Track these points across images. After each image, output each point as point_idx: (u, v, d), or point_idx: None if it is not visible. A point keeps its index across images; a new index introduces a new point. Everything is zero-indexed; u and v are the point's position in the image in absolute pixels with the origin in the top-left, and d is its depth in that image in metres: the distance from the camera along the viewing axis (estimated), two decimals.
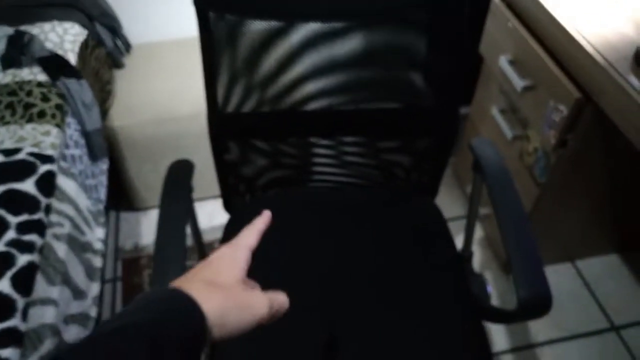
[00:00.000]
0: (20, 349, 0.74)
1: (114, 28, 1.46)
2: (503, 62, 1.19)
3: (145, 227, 1.64)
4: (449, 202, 1.65)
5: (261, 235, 0.50)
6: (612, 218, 1.38)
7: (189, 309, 0.39)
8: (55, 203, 0.95)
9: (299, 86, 0.88)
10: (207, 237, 1.16)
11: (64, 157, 1.03)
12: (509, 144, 1.31)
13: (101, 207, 1.21)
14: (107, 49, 1.45)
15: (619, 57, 0.93)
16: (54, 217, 0.94)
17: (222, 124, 0.91)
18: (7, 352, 0.73)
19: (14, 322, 0.75)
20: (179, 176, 0.87)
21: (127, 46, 1.54)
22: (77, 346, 0.35)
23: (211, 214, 1.58)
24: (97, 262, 1.10)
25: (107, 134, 1.40)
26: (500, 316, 0.89)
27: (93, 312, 1.03)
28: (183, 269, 0.71)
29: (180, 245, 0.76)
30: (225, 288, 0.43)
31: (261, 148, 0.97)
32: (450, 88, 0.89)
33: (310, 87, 0.89)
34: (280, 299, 0.47)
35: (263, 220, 0.51)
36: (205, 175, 1.59)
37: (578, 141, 1.08)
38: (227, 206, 1.05)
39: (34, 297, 0.81)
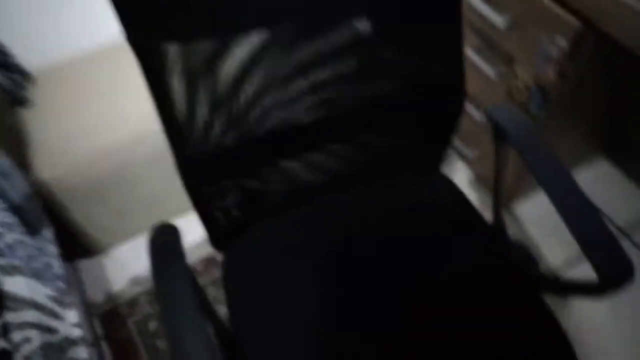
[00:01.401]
0: None
1: (1, 61, 1.17)
2: None
3: (112, 271, 1.43)
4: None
5: None
6: (604, 127, 1.33)
7: None
8: (11, 316, 0.75)
9: (271, 103, 0.71)
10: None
11: (0, 254, 0.81)
12: (494, 84, 1.19)
13: (61, 283, 1.00)
14: (1, 87, 1.17)
15: None
16: (16, 335, 0.74)
17: (193, 166, 0.73)
18: None
19: None
20: (167, 246, 0.70)
21: (26, 76, 1.26)
22: None
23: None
24: (82, 353, 0.92)
25: (37, 189, 1.15)
26: (558, 284, 0.82)
27: None
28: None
29: (200, 333, 0.60)
30: None
31: (244, 181, 0.80)
32: (452, 57, 0.75)
33: (283, 99, 0.72)
34: None
35: None
36: (165, 201, 1.39)
37: (579, 72, 0.97)
38: (216, 242, 0.88)
39: None
